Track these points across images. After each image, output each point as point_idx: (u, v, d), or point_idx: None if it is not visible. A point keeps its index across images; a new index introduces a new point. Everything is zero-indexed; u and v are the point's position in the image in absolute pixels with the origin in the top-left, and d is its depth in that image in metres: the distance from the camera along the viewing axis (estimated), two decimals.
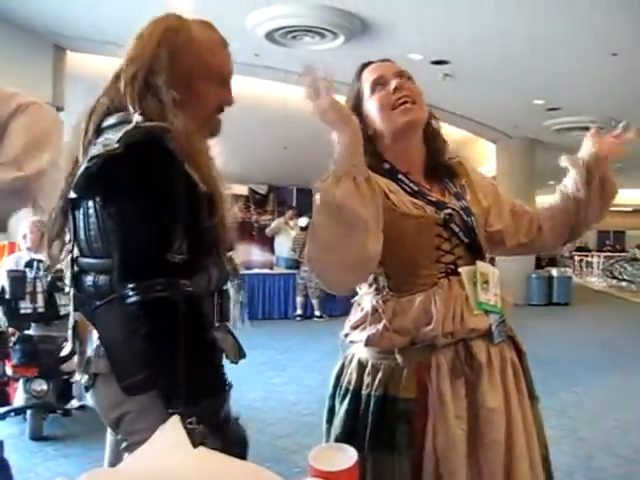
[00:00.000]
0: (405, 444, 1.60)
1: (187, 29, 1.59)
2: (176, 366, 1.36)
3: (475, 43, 8.27)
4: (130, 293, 1.38)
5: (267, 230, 12.94)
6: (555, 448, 4.57)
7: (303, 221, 12.05)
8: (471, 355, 1.66)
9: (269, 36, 7.72)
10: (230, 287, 1.70)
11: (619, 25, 7.52)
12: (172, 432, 1.05)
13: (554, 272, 15.03)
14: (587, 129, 9.31)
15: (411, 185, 1.72)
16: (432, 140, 1.85)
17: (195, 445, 1.26)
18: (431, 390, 1.62)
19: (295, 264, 11.48)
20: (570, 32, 7.79)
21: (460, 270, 1.67)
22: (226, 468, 1.01)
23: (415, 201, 1.68)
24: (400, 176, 1.73)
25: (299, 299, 11.44)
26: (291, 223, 12.65)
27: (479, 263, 1.70)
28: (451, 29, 7.81)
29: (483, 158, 16.98)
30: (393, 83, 1.75)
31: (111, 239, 1.44)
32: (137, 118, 1.43)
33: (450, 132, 13.70)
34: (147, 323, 1.38)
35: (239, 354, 1.68)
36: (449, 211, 1.69)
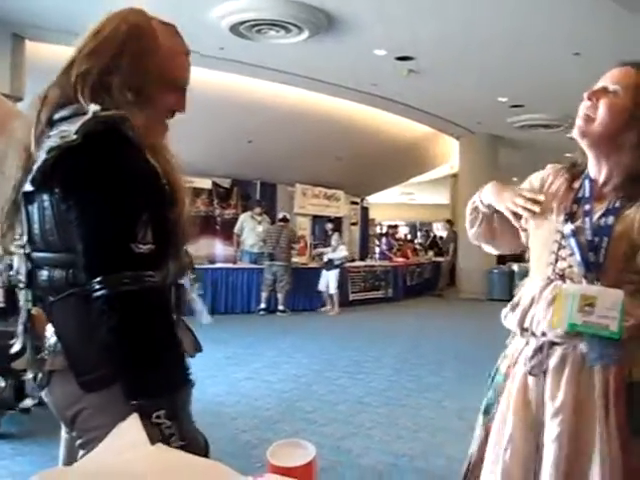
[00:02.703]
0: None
1: (152, 32, 1.54)
2: (142, 359, 1.35)
3: (440, 40, 8.33)
4: (96, 287, 1.35)
5: (235, 229, 12.94)
6: None
7: (280, 215, 12.13)
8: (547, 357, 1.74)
9: (234, 29, 7.67)
10: (186, 281, 1.68)
11: (581, 25, 7.64)
12: (130, 430, 1.04)
13: (515, 267, 15.22)
14: (549, 127, 9.60)
15: (583, 191, 1.77)
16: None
17: (161, 439, 1.25)
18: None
19: (268, 257, 11.45)
20: (534, 31, 7.89)
21: (562, 286, 1.71)
22: (185, 465, 1.00)
23: (560, 209, 1.77)
24: (586, 181, 1.79)
25: (264, 294, 11.42)
26: (258, 218, 12.63)
27: (584, 285, 1.68)
28: (416, 25, 7.86)
29: (446, 154, 17.12)
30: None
31: (72, 231, 1.41)
32: (94, 108, 1.40)
33: (414, 128, 13.85)
34: (113, 317, 1.35)
35: (195, 348, 1.66)
36: (573, 227, 1.72)
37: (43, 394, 1.54)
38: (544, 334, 1.72)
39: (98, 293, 1.35)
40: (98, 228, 1.39)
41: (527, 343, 1.81)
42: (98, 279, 1.35)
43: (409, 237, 26.84)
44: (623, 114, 1.67)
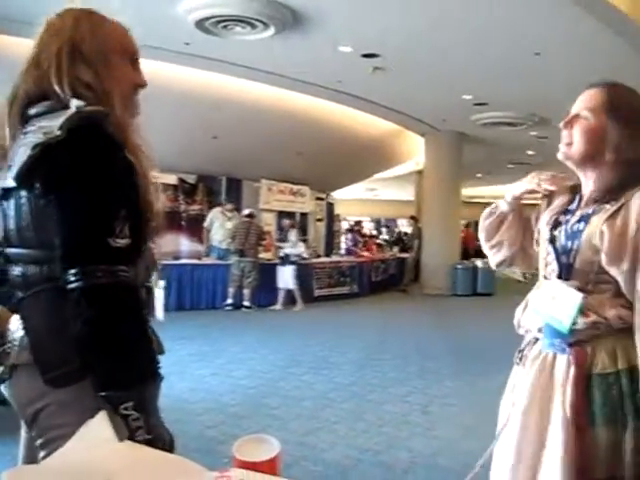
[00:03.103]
0: None
1: (101, 17, 1.62)
2: (114, 350, 1.36)
3: (405, 37, 8.39)
4: (72, 279, 1.36)
5: (205, 224, 12.94)
6: (474, 434, 4.75)
7: (246, 210, 12.08)
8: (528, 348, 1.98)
9: (200, 25, 7.63)
10: (152, 280, 1.69)
11: (542, 26, 7.76)
12: (98, 428, 1.05)
13: (479, 263, 15.41)
14: (511, 124, 9.78)
15: (573, 205, 1.95)
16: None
17: (127, 431, 1.26)
18: None
19: (237, 253, 11.43)
20: (497, 31, 8.00)
21: (545, 282, 1.93)
22: (153, 461, 1.01)
23: (548, 219, 1.98)
24: (577, 196, 1.96)
25: (231, 289, 11.41)
26: (228, 214, 12.60)
27: (554, 281, 1.88)
28: (382, 23, 7.89)
29: (411, 151, 17.23)
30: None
31: (50, 227, 1.43)
32: (77, 103, 1.43)
33: (379, 124, 13.92)
34: (88, 308, 1.36)
35: (159, 349, 1.67)
36: (550, 234, 1.92)
37: (2, 387, 1.54)
38: (530, 330, 1.96)
39: (73, 285, 1.37)
40: (77, 221, 1.41)
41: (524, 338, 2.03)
42: (74, 271, 1.37)
43: (374, 233, 26.97)
44: (596, 135, 1.82)
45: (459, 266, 15.13)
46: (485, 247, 2.23)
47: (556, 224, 1.92)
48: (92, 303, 1.36)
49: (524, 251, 2.13)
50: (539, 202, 2.13)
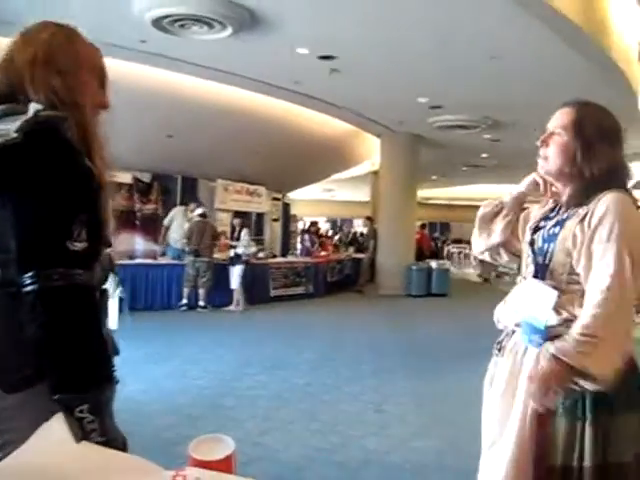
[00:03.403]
0: None
1: (70, 30, 1.65)
2: (69, 354, 1.37)
3: (362, 40, 8.45)
4: (28, 282, 1.36)
5: (165, 221, 12.91)
6: (426, 433, 4.83)
7: (199, 210, 11.96)
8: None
9: (156, 23, 7.56)
10: (109, 284, 1.70)
11: (497, 31, 7.91)
12: (55, 430, 1.06)
13: (433, 264, 15.60)
14: (466, 127, 9.95)
15: (553, 213, 2.12)
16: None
17: (82, 434, 1.27)
18: None
19: (193, 252, 11.36)
20: (452, 35, 8.11)
21: (523, 281, 2.11)
22: (110, 461, 1.03)
23: (532, 223, 2.17)
24: (558, 204, 2.12)
25: (186, 289, 11.33)
26: (189, 214, 12.52)
27: (530, 280, 2.06)
28: (339, 25, 7.95)
29: (368, 152, 17.35)
30: None
31: (5, 230, 1.42)
32: (34, 107, 1.44)
33: (336, 125, 13.99)
34: (44, 312, 1.37)
35: (114, 350, 1.68)
36: (530, 238, 2.11)
37: None
38: (507, 324, 2.14)
39: (29, 288, 1.37)
40: (35, 225, 1.41)
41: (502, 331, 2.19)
42: (30, 274, 1.37)
43: (330, 233, 27.07)
44: (568, 151, 2.00)
45: (414, 267, 15.26)
46: (476, 233, 2.38)
47: (536, 229, 2.11)
48: (47, 306, 1.37)
49: (509, 243, 2.30)
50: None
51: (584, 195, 1.96)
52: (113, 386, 1.50)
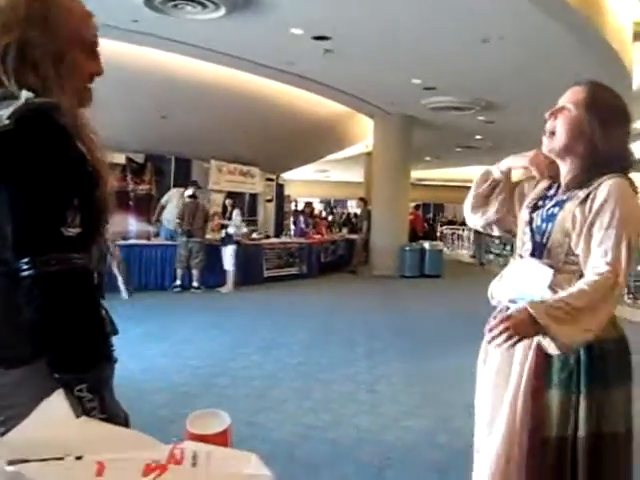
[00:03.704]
0: None
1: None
2: (67, 335, 1.40)
3: (356, 21, 8.43)
4: (24, 267, 1.39)
5: (162, 200, 12.94)
6: (418, 412, 4.89)
7: (189, 191, 11.94)
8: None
9: (149, 3, 7.54)
10: (109, 259, 1.73)
11: (490, 14, 7.90)
12: (56, 405, 1.10)
13: (426, 245, 15.66)
14: (459, 109, 9.97)
15: (551, 191, 2.15)
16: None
17: (82, 412, 1.31)
18: None
19: (185, 233, 11.37)
20: (445, 16, 8.10)
21: (519, 260, 2.15)
22: (109, 435, 1.07)
23: (529, 202, 2.19)
24: (556, 184, 2.16)
25: (179, 270, 11.36)
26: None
27: (527, 259, 2.10)
28: (333, 5, 7.93)
29: (361, 133, 17.34)
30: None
31: (2, 215, 1.44)
32: (26, 94, 1.43)
33: (329, 106, 13.97)
34: (40, 296, 1.40)
35: (112, 330, 1.72)
36: (528, 216, 2.13)
37: None
38: (501, 301, 2.15)
39: (25, 273, 1.39)
40: (29, 212, 1.42)
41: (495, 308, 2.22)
42: (26, 259, 1.39)
43: (323, 214, 27.09)
44: (576, 126, 2.02)
45: (407, 248, 15.33)
46: (469, 210, 2.39)
47: (535, 207, 2.13)
48: (44, 291, 1.39)
49: (504, 220, 2.32)
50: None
51: (585, 176, 1.99)
52: (112, 365, 1.54)
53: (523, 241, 2.13)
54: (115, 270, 1.83)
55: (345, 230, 19.39)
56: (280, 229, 19.01)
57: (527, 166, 2.19)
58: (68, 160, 1.45)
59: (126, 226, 13.12)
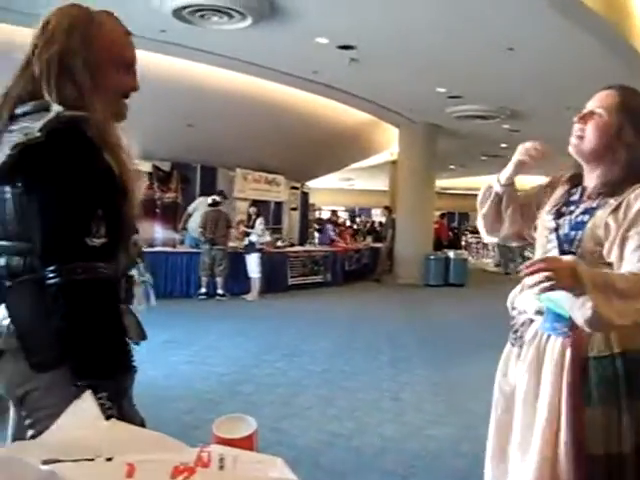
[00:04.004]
0: None
1: (93, 16, 1.64)
2: (89, 344, 1.44)
3: (381, 30, 8.45)
4: (51, 275, 1.44)
5: (189, 208, 13.01)
6: (443, 420, 4.87)
7: (210, 199, 11.99)
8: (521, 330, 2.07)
9: (176, 13, 7.63)
10: (135, 271, 1.77)
11: (514, 22, 7.88)
12: (86, 406, 1.13)
13: (451, 254, 15.59)
14: (484, 117, 9.92)
15: (574, 196, 2.08)
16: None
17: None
18: None
19: (208, 241, 11.43)
20: (470, 25, 8.09)
21: None
22: (138, 438, 1.09)
23: (551, 208, 2.10)
24: (580, 188, 2.09)
25: (204, 278, 11.42)
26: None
27: None
28: (358, 15, 7.96)
29: (386, 141, 17.34)
30: None
31: (32, 222, 1.49)
32: (57, 108, 1.49)
33: (354, 115, 13.99)
34: (65, 304, 1.44)
35: (141, 335, 1.75)
36: (554, 223, 2.04)
37: None
38: (525, 312, 2.07)
39: (52, 281, 1.44)
40: (56, 222, 1.47)
41: (515, 320, 2.13)
42: (52, 267, 1.44)
43: (348, 223, 27.11)
44: (608, 132, 1.95)
45: (432, 256, 15.28)
46: (485, 234, 2.37)
47: (559, 214, 2.04)
48: (68, 299, 1.44)
49: (520, 231, 2.27)
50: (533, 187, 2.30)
51: (618, 183, 1.92)
52: (132, 375, 1.58)
53: (546, 249, 2.04)
54: (143, 277, 1.86)
55: (370, 238, 19.37)
56: (304, 237, 19.04)
57: (521, 159, 2.15)
58: (94, 172, 1.50)
59: (152, 234, 13.24)
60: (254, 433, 1.19)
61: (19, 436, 1.64)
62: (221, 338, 7.83)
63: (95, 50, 1.60)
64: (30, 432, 1.51)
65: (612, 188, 1.94)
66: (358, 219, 30.97)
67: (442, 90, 11.74)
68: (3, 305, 1.57)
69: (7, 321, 1.54)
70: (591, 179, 2.03)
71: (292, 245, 15.16)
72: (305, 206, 21.05)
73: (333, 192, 30.85)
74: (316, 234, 19.45)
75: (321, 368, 6.39)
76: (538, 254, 2.07)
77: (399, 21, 8.11)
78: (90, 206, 1.49)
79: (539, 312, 1.99)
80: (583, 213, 1.98)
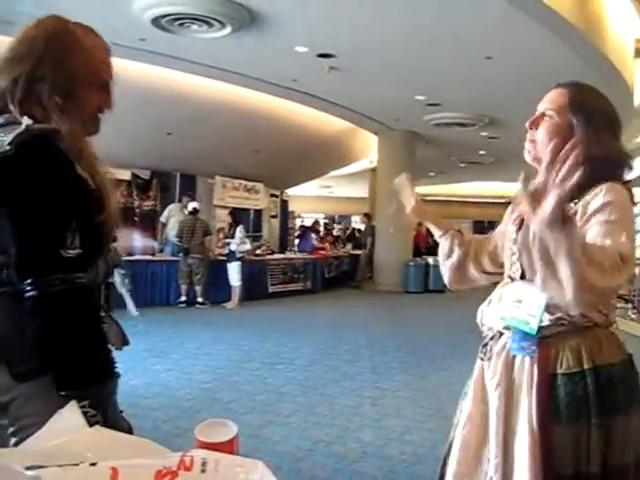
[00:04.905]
0: None
1: (72, 34, 1.61)
2: (69, 354, 1.45)
3: (360, 38, 8.53)
4: (27, 288, 1.44)
5: (162, 217, 13.03)
6: (422, 426, 4.91)
7: (192, 205, 11.94)
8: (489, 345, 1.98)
9: (155, 22, 7.64)
10: (115, 278, 1.77)
11: (492, 31, 7.99)
12: (70, 414, 1.14)
13: (430, 260, 15.65)
14: (463, 125, 9.93)
15: None
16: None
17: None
18: None
19: (183, 250, 11.40)
20: (449, 34, 8.19)
21: (507, 285, 1.97)
22: (121, 443, 1.11)
23: (514, 219, 2.01)
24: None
25: (183, 286, 11.39)
26: (185, 211, 12.55)
27: (517, 283, 1.92)
28: (337, 23, 8.02)
29: (365, 149, 17.41)
30: None
31: (6, 237, 1.49)
32: (27, 121, 1.48)
33: (334, 122, 14.05)
34: (42, 316, 1.45)
35: (123, 341, 1.76)
36: (515, 235, 1.96)
37: None
38: (492, 327, 1.99)
39: (28, 294, 1.44)
40: (30, 235, 1.47)
41: (484, 335, 2.05)
42: (29, 280, 1.44)
43: (328, 230, 27.11)
44: (560, 134, 1.82)
45: (411, 263, 15.35)
46: (452, 284, 2.33)
47: (520, 225, 1.93)
48: (45, 311, 1.44)
49: (491, 264, 2.22)
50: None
51: (580, 187, 1.67)
52: (114, 380, 1.58)
53: (512, 261, 1.95)
54: (122, 287, 1.87)
55: (349, 246, 19.41)
56: (284, 245, 19.04)
57: (411, 213, 2.26)
58: (66, 184, 1.49)
59: (131, 242, 13.18)
60: (235, 437, 1.21)
61: (2, 444, 1.65)
62: (202, 346, 7.82)
63: (70, 69, 1.57)
64: (13, 440, 1.52)
65: (571, 193, 1.70)
66: (337, 226, 30.98)
67: (421, 98, 11.83)
68: None
69: None
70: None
71: (272, 253, 15.16)
72: (285, 213, 21.08)
73: (313, 199, 30.87)
74: (296, 241, 19.45)
75: (302, 375, 6.41)
76: (506, 266, 2.01)
77: (378, 29, 8.18)
78: (64, 218, 1.48)
79: (507, 328, 1.91)
80: None
